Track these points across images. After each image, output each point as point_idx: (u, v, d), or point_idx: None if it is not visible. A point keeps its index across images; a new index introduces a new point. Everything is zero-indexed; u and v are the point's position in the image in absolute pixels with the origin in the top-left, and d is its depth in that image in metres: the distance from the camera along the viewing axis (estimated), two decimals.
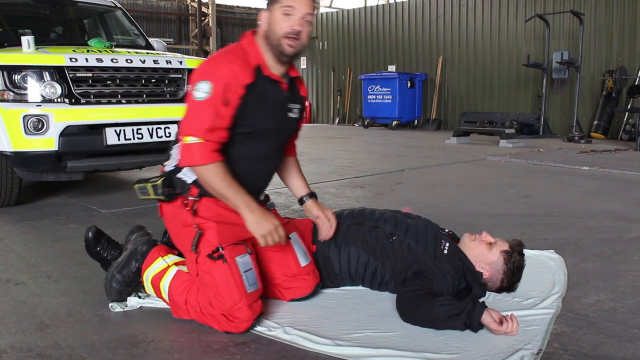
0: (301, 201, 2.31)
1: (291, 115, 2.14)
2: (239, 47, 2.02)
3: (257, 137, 2.03)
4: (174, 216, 2.04)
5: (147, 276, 2.09)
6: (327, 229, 2.22)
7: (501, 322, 1.85)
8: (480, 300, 2.15)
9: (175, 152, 2.06)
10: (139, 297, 2.16)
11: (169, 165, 2.08)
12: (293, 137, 2.33)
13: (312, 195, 2.31)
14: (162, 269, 2.08)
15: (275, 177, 2.28)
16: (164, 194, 2.01)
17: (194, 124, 1.88)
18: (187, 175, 2.01)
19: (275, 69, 2.02)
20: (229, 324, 1.90)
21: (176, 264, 2.09)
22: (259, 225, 1.89)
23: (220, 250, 1.92)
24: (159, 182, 2.01)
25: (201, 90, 1.87)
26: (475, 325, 1.85)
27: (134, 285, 2.15)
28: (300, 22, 1.94)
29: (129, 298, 2.15)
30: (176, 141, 2.08)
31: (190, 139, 1.88)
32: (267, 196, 2.29)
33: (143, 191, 2.06)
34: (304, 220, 2.44)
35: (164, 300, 2.08)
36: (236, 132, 1.97)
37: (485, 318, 1.85)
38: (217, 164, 1.89)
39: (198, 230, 1.94)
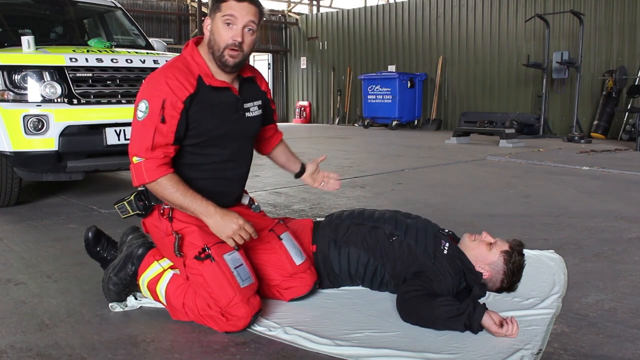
0: (297, 176, 2.39)
1: (249, 114, 2.12)
2: (182, 59, 2.01)
3: (212, 144, 2.03)
4: (156, 228, 2.06)
5: (143, 281, 2.09)
6: (332, 185, 2.32)
7: (501, 325, 1.84)
8: (480, 300, 2.15)
9: None
10: (136, 298, 2.15)
11: None
12: (268, 131, 2.36)
13: (304, 167, 2.40)
14: (157, 273, 2.07)
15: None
16: (139, 208, 2.03)
17: (137, 144, 1.90)
18: None
19: (221, 75, 2.00)
20: (227, 323, 1.90)
21: (172, 267, 2.09)
22: (222, 228, 1.90)
23: (207, 250, 1.93)
24: (132, 197, 2.03)
25: (140, 110, 1.90)
26: (475, 327, 1.85)
27: (132, 286, 2.15)
28: (241, 33, 1.91)
29: (128, 298, 2.15)
30: None
31: (136, 159, 1.91)
32: (251, 199, 2.31)
33: (122, 210, 2.07)
34: (304, 220, 2.44)
35: (161, 303, 2.07)
36: (189, 144, 1.99)
37: (486, 320, 1.85)
38: (166, 177, 1.90)
39: (177, 235, 1.96)
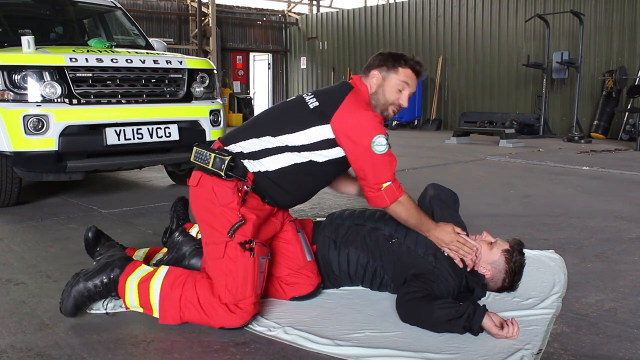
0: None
1: None
2: (366, 101, 2.13)
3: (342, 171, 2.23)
4: (213, 192, 2.02)
5: (132, 281, 2.00)
6: None
7: (502, 326, 1.84)
8: (480, 300, 2.15)
9: (249, 142, 2.07)
10: (107, 313, 2.05)
11: (234, 148, 2.07)
12: None
13: None
14: (150, 271, 2.03)
15: None
16: (225, 171, 1.99)
17: (386, 172, 2.05)
18: (252, 165, 2.05)
19: None
20: (229, 315, 1.90)
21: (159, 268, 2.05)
22: (443, 237, 2.14)
23: (252, 244, 1.96)
24: (228, 158, 2.00)
25: (382, 144, 2.01)
26: (475, 329, 1.85)
27: (94, 301, 2.04)
28: (407, 100, 2.17)
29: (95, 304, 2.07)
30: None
31: (385, 185, 2.05)
32: None
33: (202, 157, 2.04)
34: (304, 220, 2.44)
35: (148, 308, 1.99)
36: (331, 162, 2.09)
37: (486, 322, 1.85)
38: (407, 194, 2.10)
39: (242, 219, 1.97)
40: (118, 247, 2.29)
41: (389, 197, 2.05)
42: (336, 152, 2.07)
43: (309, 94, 2.16)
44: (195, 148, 2.09)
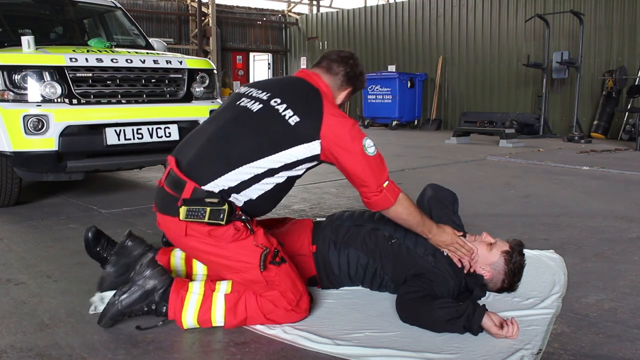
0: None
1: None
2: (336, 105, 2.18)
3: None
4: (210, 237, 1.93)
5: (189, 317, 1.93)
6: None
7: (502, 326, 1.84)
8: (480, 300, 2.15)
9: (225, 179, 1.95)
10: (139, 327, 1.93)
11: (214, 187, 1.94)
12: None
13: None
14: (200, 300, 1.95)
15: None
16: (226, 220, 1.90)
17: (381, 173, 2.04)
18: (236, 200, 1.97)
19: None
20: (293, 315, 1.98)
21: (208, 289, 1.98)
22: (444, 239, 2.15)
23: (279, 253, 1.98)
24: (226, 207, 1.90)
25: (371, 145, 2.04)
26: (475, 329, 1.85)
27: (132, 316, 1.97)
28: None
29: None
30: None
31: (385, 184, 2.04)
32: None
33: (196, 214, 1.89)
34: (304, 220, 2.44)
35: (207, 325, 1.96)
36: (307, 169, 2.10)
37: (486, 322, 1.85)
38: (403, 192, 2.09)
39: (265, 249, 1.93)
40: (159, 267, 2.03)
41: (392, 195, 2.04)
42: (312, 160, 2.05)
43: (277, 101, 2.02)
44: (184, 208, 1.89)
